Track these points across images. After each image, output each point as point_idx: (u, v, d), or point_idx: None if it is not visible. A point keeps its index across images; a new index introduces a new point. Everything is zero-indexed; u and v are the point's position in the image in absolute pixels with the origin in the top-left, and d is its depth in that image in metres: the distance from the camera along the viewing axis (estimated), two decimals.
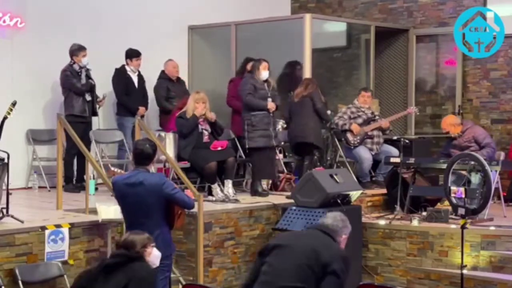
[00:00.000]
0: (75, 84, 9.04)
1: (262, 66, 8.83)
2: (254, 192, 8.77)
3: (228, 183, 8.43)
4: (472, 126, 9.54)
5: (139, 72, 9.96)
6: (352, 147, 9.69)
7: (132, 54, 9.84)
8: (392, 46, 11.52)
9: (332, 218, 4.82)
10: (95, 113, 9.37)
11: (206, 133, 8.53)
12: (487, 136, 9.43)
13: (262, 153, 8.75)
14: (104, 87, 9.60)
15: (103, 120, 9.91)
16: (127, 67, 9.88)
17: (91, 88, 9.18)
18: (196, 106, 8.45)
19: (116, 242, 4.96)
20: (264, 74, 8.84)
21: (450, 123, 9.54)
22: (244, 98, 8.80)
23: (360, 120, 9.74)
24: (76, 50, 9.13)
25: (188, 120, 8.46)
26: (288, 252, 4.56)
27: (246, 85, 8.82)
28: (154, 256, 5.00)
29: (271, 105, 8.76)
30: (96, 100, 9.32)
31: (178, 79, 10.27)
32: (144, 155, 5.86)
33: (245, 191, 9.17)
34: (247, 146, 8.75)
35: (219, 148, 8.42)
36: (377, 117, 9.90)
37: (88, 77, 9.20)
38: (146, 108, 10.00)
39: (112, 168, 6.78)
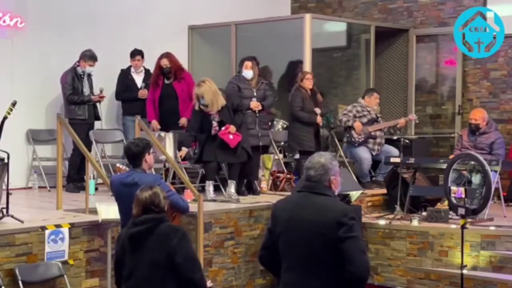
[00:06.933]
0: (70, 97, 9.01)
1: (244, 65, 8.89)
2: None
3: (232, 184, 8.43)
4: (495, 130, 9.23)
5: (147, 71, 9.92)
6: (356, 144, 9.72)
7: (131, 54, 9.82)
8: (392, 46, 11.51)
9: (313, 169, 4.17)
10: (97, 118, 9.34)
11: (214, 124, 8.33)
12: (502, 147, 9.14)
13: None
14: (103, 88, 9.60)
15: (105, 120, 9.91)
16: (132, 68, 9.88)
17: (90, 100, 9.15)
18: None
19: (136, 199, 4.51)
20: (245, 73, 8.86)
21: (483, 117, 9.17)
22: None
23: (364, 120, 9.78)
24: (88, 57, 9.10)
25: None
26: (294, 241, 4.14)
27: (229, 85, 8.87)
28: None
29: (254, 104, 8.75)
30: (94, 94, 9.22)
31: None
32: (130, 154, 5.86)
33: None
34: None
35: (231, 137, 8.25)
36: (380, 119, 9.95)
37: (90, 84, 9.22)
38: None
39: (119, 165, 6.83)
